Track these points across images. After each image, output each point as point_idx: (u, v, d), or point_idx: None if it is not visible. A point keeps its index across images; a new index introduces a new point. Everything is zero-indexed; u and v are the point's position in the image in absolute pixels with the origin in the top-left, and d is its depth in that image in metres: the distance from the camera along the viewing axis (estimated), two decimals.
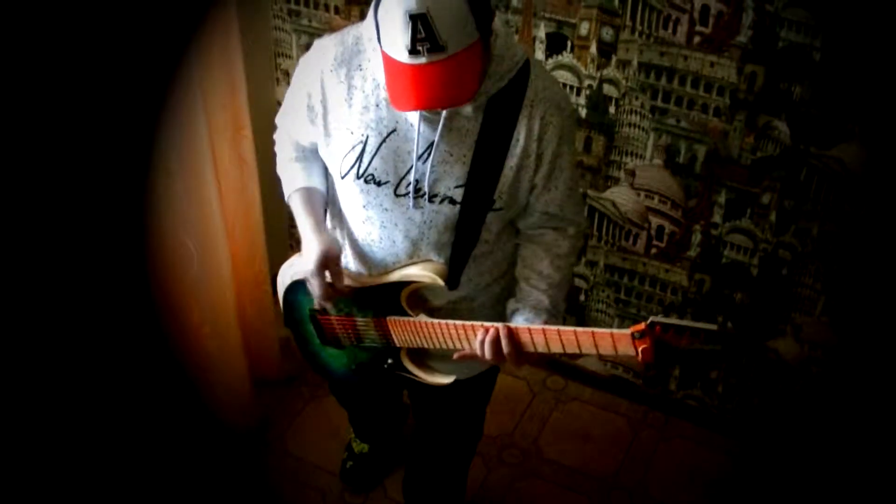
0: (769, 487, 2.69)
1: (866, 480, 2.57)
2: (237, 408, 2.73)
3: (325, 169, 1.84)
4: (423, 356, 1.87)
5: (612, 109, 2.48)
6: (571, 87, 2.49)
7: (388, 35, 1.46)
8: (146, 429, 2.36)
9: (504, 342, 1.63)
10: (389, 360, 1.87)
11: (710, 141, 2.39)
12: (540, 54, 2.48)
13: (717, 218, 2.50)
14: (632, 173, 2.54)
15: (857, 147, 2.23)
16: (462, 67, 1.46)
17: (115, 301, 2.15)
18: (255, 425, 2.80)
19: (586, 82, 2.47)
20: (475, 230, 1.69)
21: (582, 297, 2.85)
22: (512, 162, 1.65)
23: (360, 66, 1.65)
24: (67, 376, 2.09)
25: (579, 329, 1.56)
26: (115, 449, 2.28)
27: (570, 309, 2.88)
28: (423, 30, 1.41)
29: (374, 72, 1.63)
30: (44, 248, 1.94)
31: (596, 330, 1.54)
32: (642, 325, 1.45)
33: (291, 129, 1.85)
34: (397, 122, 1.64)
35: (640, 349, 1.46)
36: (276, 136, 1.94)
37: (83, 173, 1.97)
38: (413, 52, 1.43)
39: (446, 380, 1.83)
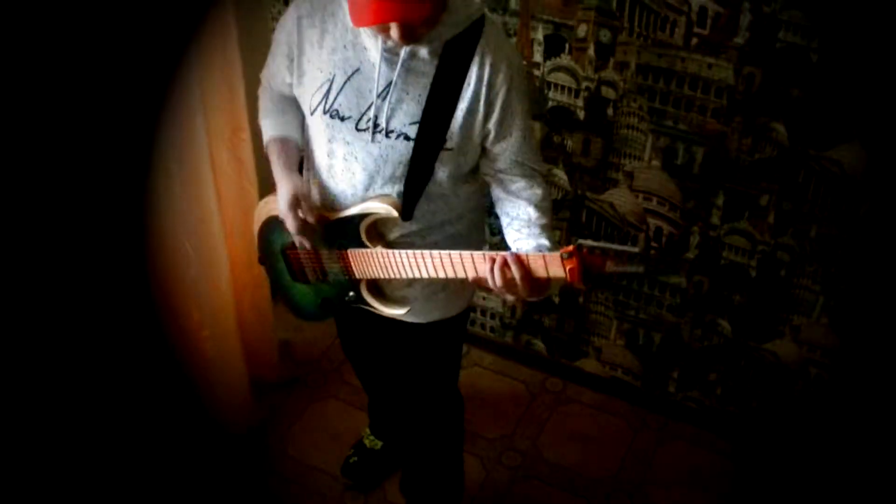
0: (769, 489, 2.69)
1: (866, 481, 2.57)
2: (236, 410, 2.73)
3: (301, 119, 2.01)
4: (382, 292, 2.01)
5: (610, 111, 2.48)
6: (569, 90, 2.50)
7: None
8: (145, 431, 2.36)
9: (483, 264, 1.74)
10: (351, 293, 2.00)
11: (708, 143, 2.40)
12: (538, 56, 2.48)
13: (715, 219, 2.51)
14: (630, 175, 2.55)
15: (855, 149, 2.23)
16: None
17: (115, 303, 2.15)
18: (254, 428, 2.80)
19: (584, 84, 2.47)
20: (428, 166, 1.83)
21: (581, 298, 2.85)
22: (463, 104, 1.79)
23: (332, 13, 1.83)
24: (67, 378, 2.08)
25: (510, 252, 1.72)
26: (115, 450, 2.28)
27: (570, 310, 2.89)
28: None
29: (344, 17, 1.80)
30: (43, 249, 1.94)
31: (530, 253, 1.70)
32: (570, 248, 1.58)
33: (273, 79, 2.00)
34: (361, 62, 1.81)
35: (568, 269, 1.59)
36: (259, 91, 2.09)
37: (82, 175, 1.97)
38: None
39: (401, 310, 1.98)
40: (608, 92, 2.45)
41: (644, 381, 2.91)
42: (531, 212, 1.87)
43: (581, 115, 2.52)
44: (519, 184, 1.89)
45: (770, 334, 2.61)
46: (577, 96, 2.50)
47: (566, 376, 3.02)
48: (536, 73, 2.50)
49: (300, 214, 1.91)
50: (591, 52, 2.41)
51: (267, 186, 2.06)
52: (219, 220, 2.43)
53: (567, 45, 2.44)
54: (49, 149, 1.88)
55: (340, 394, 2.95)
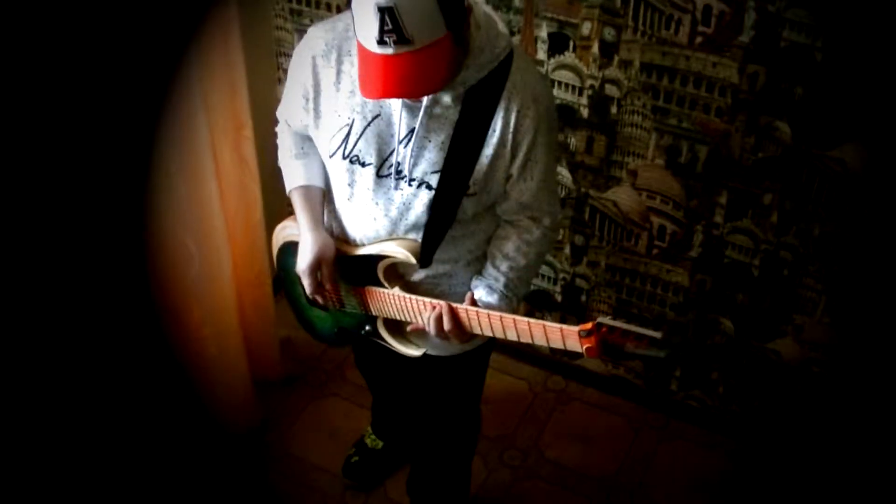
0: (770, 489, 2.69)
1: (867, 481, 2.57)
2: (238, 408, 2.73)
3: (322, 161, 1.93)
4: (399, 327, 1.95)
5: (613, 109, 2.47)
6: (573, 87, 2.49)
7: (360, 24, 1.53)
8: (147, 429, 2.36)
9: (445, 318, 1.73)
10: (367, 327, 1.96)
11: (711, 141, 2.39)
12: (542, 54, 2.47)
13: (718, 218, 2.50)
14: (633, 173, 2.54)
15: (858, 148, 2.23)
16: (428, 60, 1.52)
17: (116, 302, 2.15)
18: (255, 426, 2.80)
19: (588, 82, 2.46)
20: (450, 214, 1.76)
21: (583, 298, 2.85)
22: (488, 151, 1.71)
23: (349, 51, 1.73)
24: (68, 377, 2.08)
25: (532, 320, 1.64)
26: (116, 449, 2.28)
27: (572, 308, 2.88)
28: (390, 22, 1.47)
29: None
30: (45, 248, 1.93)
31: (547, 323, 1.62)
32: (590, 325, 1.52)
33: (290, 117, 1.92)
34: (381, 107, 1.72)
35: (584, 347, 1.54)
36: (277, 129, 2.02)
37: (84, 174, 1.96)
38: (381, 42, 1.50)
39: (417, 352, 1.92)
40: (612, 90, 2.45)
41: (646, 380, 2.91)
42: (510, 247, 1.83)
43: (585, 113, 2.51)
44: (520, 220, 1.84)
45: (772, 333, 2.61)
46: (580, 94, 2.49)
47: (568, 374, 3.01)
48: (540, 70, 2.50)
49: (319, 278, 1.88)
50: (595, 49, 2.41)
51: (269, 185, 2.06)
52: (221, 218, 2.42)
53: (571, 43, 2.43)
54: (51, 147, 1.88)
55: (342, 392, 2.95)
